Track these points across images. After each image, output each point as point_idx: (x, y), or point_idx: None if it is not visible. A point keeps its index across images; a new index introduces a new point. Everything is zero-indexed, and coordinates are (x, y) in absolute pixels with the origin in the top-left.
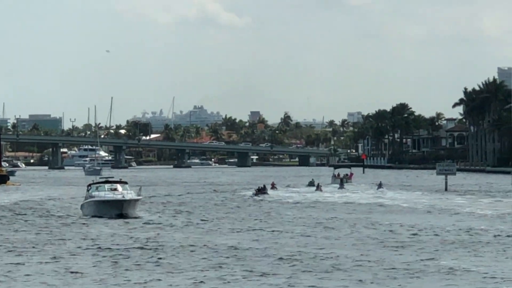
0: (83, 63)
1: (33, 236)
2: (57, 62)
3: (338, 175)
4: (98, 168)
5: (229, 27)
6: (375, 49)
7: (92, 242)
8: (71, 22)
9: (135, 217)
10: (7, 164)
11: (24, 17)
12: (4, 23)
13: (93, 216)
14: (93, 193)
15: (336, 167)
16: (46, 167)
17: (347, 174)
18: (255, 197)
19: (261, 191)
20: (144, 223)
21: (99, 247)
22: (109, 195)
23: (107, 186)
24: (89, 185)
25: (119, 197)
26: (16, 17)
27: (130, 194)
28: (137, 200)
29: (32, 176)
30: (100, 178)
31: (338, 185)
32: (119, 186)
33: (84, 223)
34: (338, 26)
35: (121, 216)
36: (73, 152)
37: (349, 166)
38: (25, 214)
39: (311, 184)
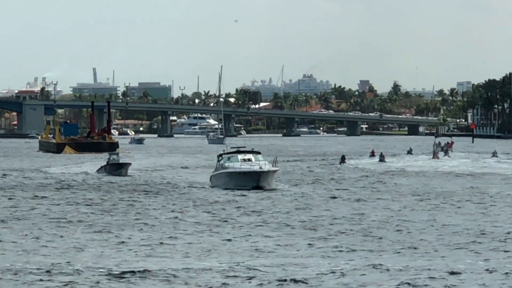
0: (193, 31)
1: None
2: (166, 30)
3: (439, 143)
4: (222, 136)
5: None
6: (484, 19)
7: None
8: None
9: (271, 189)
10: (116, 132)
11: None
12: None
13: (225, 188)
14: (226, 164)
15: (437, 136)
16: (155, 135)
17: (447, 143)
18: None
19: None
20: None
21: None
22: (245, 166)
23: (240, 156)
24: (220, 155)
25: (256, 168)
26: None
27: (266, 165)
28: (275, 171)
29: (156, 145)
30: (232, 148)
31: (442, 154)
32: (252, 157)
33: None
34: None
35: (257, 188)
36: (182, 120)
37: (450, 136)
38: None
39: (409, 152)
